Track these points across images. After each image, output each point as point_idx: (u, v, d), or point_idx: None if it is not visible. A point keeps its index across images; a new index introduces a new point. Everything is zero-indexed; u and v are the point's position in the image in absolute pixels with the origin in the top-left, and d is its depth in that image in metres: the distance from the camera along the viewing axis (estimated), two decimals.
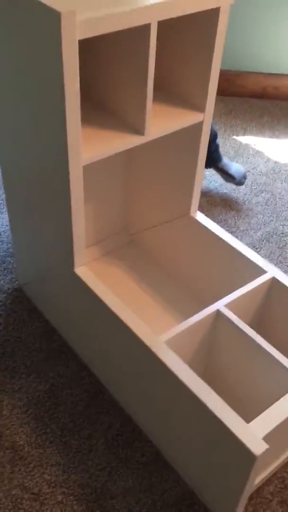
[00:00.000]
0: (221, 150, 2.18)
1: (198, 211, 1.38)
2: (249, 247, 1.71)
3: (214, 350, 1.18)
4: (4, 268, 1.60)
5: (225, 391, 1.20)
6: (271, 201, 1.91)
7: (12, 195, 1.29)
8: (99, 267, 1.51)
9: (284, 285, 1.18)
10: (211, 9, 1.02)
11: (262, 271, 1.21)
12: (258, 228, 1.80)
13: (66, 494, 1.09)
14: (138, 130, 1.08)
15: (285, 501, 1.09)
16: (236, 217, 1.84)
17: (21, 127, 1.08)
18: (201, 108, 1.16)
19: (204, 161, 1.27)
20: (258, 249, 1.70)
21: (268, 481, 1.12)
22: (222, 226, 1.79)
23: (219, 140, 2.11)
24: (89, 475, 1.12)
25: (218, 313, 1.11)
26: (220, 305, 1.12)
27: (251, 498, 1.09)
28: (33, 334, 1.41)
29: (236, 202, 1.91)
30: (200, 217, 1.36)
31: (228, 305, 1.12)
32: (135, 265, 1.53)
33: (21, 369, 1.32)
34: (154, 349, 1.00)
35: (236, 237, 1.75)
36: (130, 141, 1.06)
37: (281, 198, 1.92)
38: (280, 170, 2.07)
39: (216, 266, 1.33)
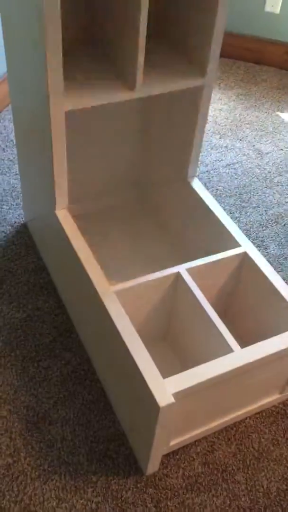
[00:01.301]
0: (260, 125, 2.13)
1: (195, 177, 1.39)
2: (254, 224, 1.70)
3: (173, 310, 1.22)
4: (16, 204, 1.69)
5: (181, 350, 1.25)
6: None
7: (19, 138, 1.37)
8: (92, 216, 1.56)
9: (253, 262, 1.18)
10: None
11: (236, 245, 1.22)
12: (271, 206, 1.77)
13: (11, 411, 1.20)
14: (130, 85, 1.10)
15: (207, 463, 1.14)
16: (252, 192, 1.81)
17: (22, 73, 1.13)
18: (202, 73, 1.16)
19: (204, 126, 1.27)
20: (264, 228, 1.69)
21: (197, 442, 1.17)
22: (235, 200, 1.78)
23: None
24: (36, 400, 1.22)
25: (177, 275, 1.14)
26: (182, 268, 1.15)
27: (176, 453, 1.15)
28: (25, 267, 1.51)
29: (257, 177, 1.88)
30: (196, 184, 1.37)
31: (190, 270, 1.15)
32: (128, 219, 1.58)
33: (5, 296, 1.43)
34: (101, 296, 1.05)
35: (245, 212, 1.74)
36: (118, 95, 1.09)
37: None
38: None
39: (198, 233, 1.35)
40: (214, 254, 1.23)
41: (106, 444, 1.15)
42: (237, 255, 1.20)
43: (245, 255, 1.20)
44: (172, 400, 0.90)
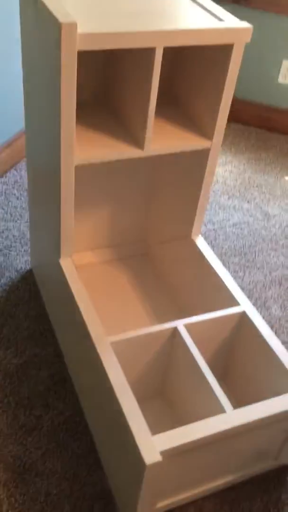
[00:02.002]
0: (268, 189, 2.18)
1: (200, 236, 1.41)
2: (258, 284, 1.71)
3: (169, 365, 1.21)
4: (24, 250, 1.73)
5: (176, 407, 1.23)
6: None
7: (31, 187, 1.42)
8: (96, 267, 1.59)
9: (252, 322, 1.18)
10: (225, 44, 1.07)
11: (235, 303, 1.22)
12: (275, 268, 1.78)
13: None
14: (139, 143, 1.15)
15: None
16: (257, 253, 1.83)
17: (38, 128, 1.20)
18: (208, 135, 1.21)
19: (209, 187, 1.31)
20: (267, 289, 1.69)
21: (185, 506, 1.12)
22: (240, 259, 1.80)
23: None
24: (24, 450, 1.20)
25: (175, 330, 1.14)
26: (179, 323, 1.15)
27: None
28: (27, 313, 1.52)
29: (262, 239, 1.90)
30: (200, 242, 1.39)
31: (187, 326, 1.15)
32: (131, 272, 1.60)
33: (3, 340, 1.43)
34: (97, 345, 1.05)
35: (249, 272, 1.75)
36: (127, 152, 1.14)
37: None
38: None
39: (199, 291, 1.36)
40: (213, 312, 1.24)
41: (91, 501, 1.12)
42: (235, 314, 1.20)
43: (243, 315, 1.21)
44: (159, 458, 0.88)
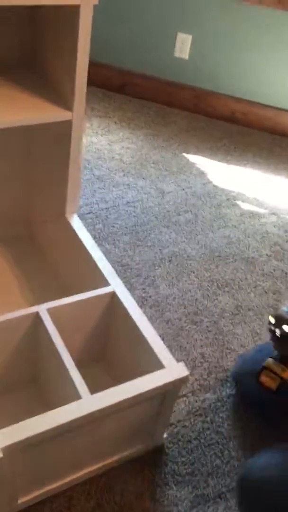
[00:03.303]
0: (165, 165, 2.14)
1: (75, 214, 1.35)
2: (147, 263, 1.67)
3: (36, 352, 1.14)
4: None
5: (46, 397, 1.17)
6: (192, 223, 1.87)
7: None
8: None
9: (121, 302, 1.14)
10: (74, 5, 0.99)
11: (105, 284, 1.17)
12: (166, 245, 1.75)
13: None
14: None
15: None
16: (149, 231, 1.80)
17: None
18: (68, 106, 1.13)
19: (79, 163, 1.24)
20: (157, 267, 1.66)
21: (54, 497, 1.07)
22: (130, 238, 1.75)
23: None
24: None
25: (37, 315, 1.08)
26: (42, 308, 1.08)
27: (28, 510, 1.05)
28: None
29: (155, 216, 1.87)
30: (74, 221, 1.32)
31: (51, 310, 1.08)
32: (15, 254, 1.51)
33: None
34: None
35: (140, 251, 1.71)
36: None
37: (203, 222, 1.88)
38: (214, 195, 2.02)
39: (75, 272, 1.30)
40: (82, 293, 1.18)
41: None
42: (104, 294, 1.15)
43: (113, 295, 1.16)
44: (0, 454, 0.81)
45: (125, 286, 1.56)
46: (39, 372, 1.18)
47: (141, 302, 1.53)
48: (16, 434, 0.84)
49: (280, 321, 1.23)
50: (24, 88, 1.17)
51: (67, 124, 1.16)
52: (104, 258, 1.23)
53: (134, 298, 1.53)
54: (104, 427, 1.00)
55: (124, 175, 2.05)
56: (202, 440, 1.22)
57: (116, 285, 1.17)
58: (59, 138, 1.23)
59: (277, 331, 1.22)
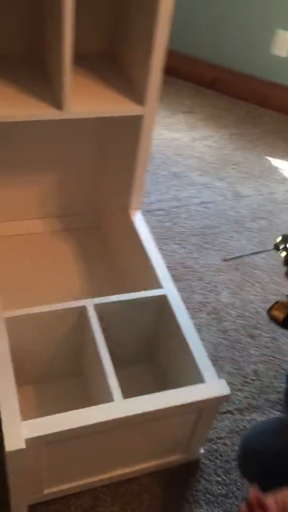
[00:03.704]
0: (246, 167, 2.05)
1: (138, 211, 1.32)
2: (212, 268, 1.61)
3: (82, 346, 1.14)
4: None
5: (87, 388, 1.16)
6: (265, 231, 1.77)
7: None
8: (44, 238, 1.51)
9: (171, 307, 1.10)
10: None
11: (158, 285, 1.14)
12: (233, 252, 1.68)
13: None
14: (58, 104, 1.05)
15: None
16: (218, 235, 1.73)
17: None
18: (140, 101, 1.10)
19: (146, 159, 1.21)
20: (220, 273, 1.60)
21: (82, 493, 1.06)
22: (198, 239, 1.70)
23: None
24: None
25: (84, 309, 1.07)
26: (90, 302, 1.07)
27: (55, 502, 1.05)
28: None
29: (227, 220, 1.80)
30: (137, 218, 1.30)
31: (98, 306, 1.07)
32: (80, 245, 1.52)
33: None
34: None
35: (205, 254, 1.65)
36: (46, 112, 1.04)
37: (278, 231, 1.77)
38: None
39: (128, 267, 1.28)
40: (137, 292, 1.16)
41: None
42: (155, 297, 1.11)
43: (164, 299, 1.12)
44: (22, 445, 0.81)
45: (185, 289, 1.52)
46: (83, 366, 1.18)
47: (199, 308, 1.48)
48: (42, 428, 0.84)
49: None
50: (101, 79, 1.16)
51: (138, 119, 1.14)
52: (161, 259, 1.19)
53: (192, 302, 1.49)
54: (135, 433, 0.97)
55: (201, 174, 1.99)
56: None
57: (168, 288, 1.13)
58: (130, 131, 1.21)
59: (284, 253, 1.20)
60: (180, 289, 1.52)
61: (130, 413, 0.88)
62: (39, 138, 1.35)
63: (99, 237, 1.55)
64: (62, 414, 0.87)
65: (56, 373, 1.18)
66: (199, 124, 2.28)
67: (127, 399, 0.91)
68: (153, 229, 1.70)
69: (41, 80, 1.12)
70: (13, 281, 1.37)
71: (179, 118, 2.30)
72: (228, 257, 1.36)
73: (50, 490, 1.02)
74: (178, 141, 2.15)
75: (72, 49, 0.96)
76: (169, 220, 1.76)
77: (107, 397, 0.94)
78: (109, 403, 0.90)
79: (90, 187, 1.50)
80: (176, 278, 1.54)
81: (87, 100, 1.08)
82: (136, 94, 1.11)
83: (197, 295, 1.52)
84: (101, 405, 0.89)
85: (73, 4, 0.90)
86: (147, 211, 1.77)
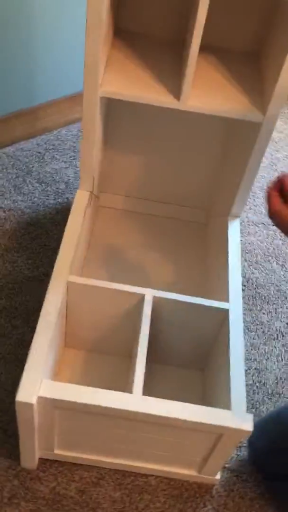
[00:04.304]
0: None
1: (237, 218, 1.27)
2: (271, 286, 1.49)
3: (134, 332, 1.15)
4: None
5: (126, 368, 1.17)
6: None
7: None
8: (133, 217, 1.51)
9: (228, 324, 1.05)
10: None
11: (225, 299, 1.09)
12: None
13: None
14: (177, 94, 1.05)
15: (84, 492, 1.06)
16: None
17: None
18: (263, 108, 1.05)
19: (257, 169, 1.16)
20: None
21: (89, 468, 1.09)
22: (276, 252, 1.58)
23: None
24: None
25: (142, 298, 1.07)
26: (149, 292, 1.07)
27: (62, 465, 1.08)
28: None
29: None
30: (233, 225, 1.26)
31: (156, 299, 1.06)
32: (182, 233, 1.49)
33: (27, 252, 1.49)
34: (52, 280, 1.04)
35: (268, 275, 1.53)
36: (163, 100, 1.05)
37: None
38: None
39: (206, 271, 1.24)
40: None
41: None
42: (214, 308, 1.07)
43: (225, 314, 1.07)
44: (33, 401, 0.86)
45: (270, 313, 1.44)
46: (130, 351, 1.19)
47: (276, 336, 1.39)
48: (56, 392, 0.88)
49: None
50: (234, 78, 1.12)
51: (256, 126, 1.09)
52: (239, 273, 1.14)
53: (271, 329, 1.40)
54: (147, 431, 0.96)
55: None
56: (257, 506, 1.09)
57: (234, 305, 1.08)
58: (248, 136, 1.16)
59: None
60: (264, 312, 1.45)
61: (137, 409, 0.87)
62: (170, 127, 1.33)
63: (201, 234, 1.52)
64: (81, 386, 0.89)
65: (107, 349, 1.21)
66: None
67: (145, 397, 0.90)
68: (261, 243, 1.63)
69: (171, 66, 1.13)
70: (109, 251, 1.39)
71: None
72: None
73: (60, 452, 1.06)
74: None
75: (200, 41, 0.95)
76: (280, 238, 1.66)
77: (128, 388, 0.94)
78: (127, 394, 0.90)
79: (207, 183, 1.47)
80: (264, 299, 1.47)
81: (207, 96, 1.06)
82: (262, 99, 1.06)
83: (279, 322, 1.43)
84: (118, 393, 0.90)
85: None
86: (261, 223, 1.70)
